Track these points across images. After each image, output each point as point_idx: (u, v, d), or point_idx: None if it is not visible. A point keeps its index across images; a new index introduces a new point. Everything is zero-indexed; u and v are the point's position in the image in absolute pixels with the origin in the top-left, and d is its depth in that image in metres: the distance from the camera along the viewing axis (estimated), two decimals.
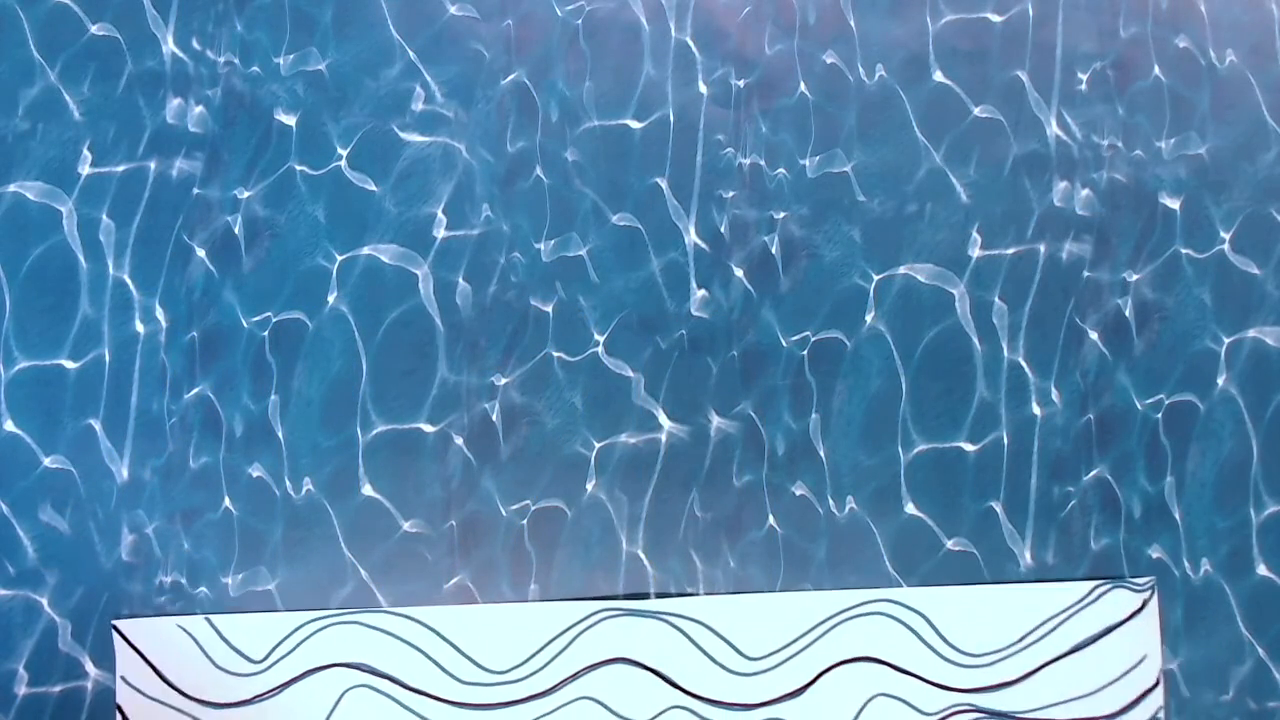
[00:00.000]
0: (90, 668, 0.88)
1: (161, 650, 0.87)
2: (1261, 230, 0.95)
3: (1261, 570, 0.93)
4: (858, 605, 0.90)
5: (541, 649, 0.89)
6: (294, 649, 0.88)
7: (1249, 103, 0.95)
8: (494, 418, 0.91)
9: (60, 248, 0.90)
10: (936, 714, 0.89)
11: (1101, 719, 0.90)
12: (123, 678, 0.87)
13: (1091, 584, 0.91)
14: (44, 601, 0.89)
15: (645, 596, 0.90)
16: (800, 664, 0.89)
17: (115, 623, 0.88)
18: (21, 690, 0.88)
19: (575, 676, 0.89)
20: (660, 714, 0.89)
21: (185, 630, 0.88)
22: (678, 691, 0.89)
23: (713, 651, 0.89)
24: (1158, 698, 0.90)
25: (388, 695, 0.88)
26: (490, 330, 0.92)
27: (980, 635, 0.90)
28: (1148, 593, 0.91)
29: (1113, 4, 0.95)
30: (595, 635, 0.89)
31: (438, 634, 0.88)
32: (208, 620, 0.88)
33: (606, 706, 0.88)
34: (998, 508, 0.92)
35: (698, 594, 0.90)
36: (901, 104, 0.94)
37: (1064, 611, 0.90)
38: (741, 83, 0.93)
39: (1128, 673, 0.90)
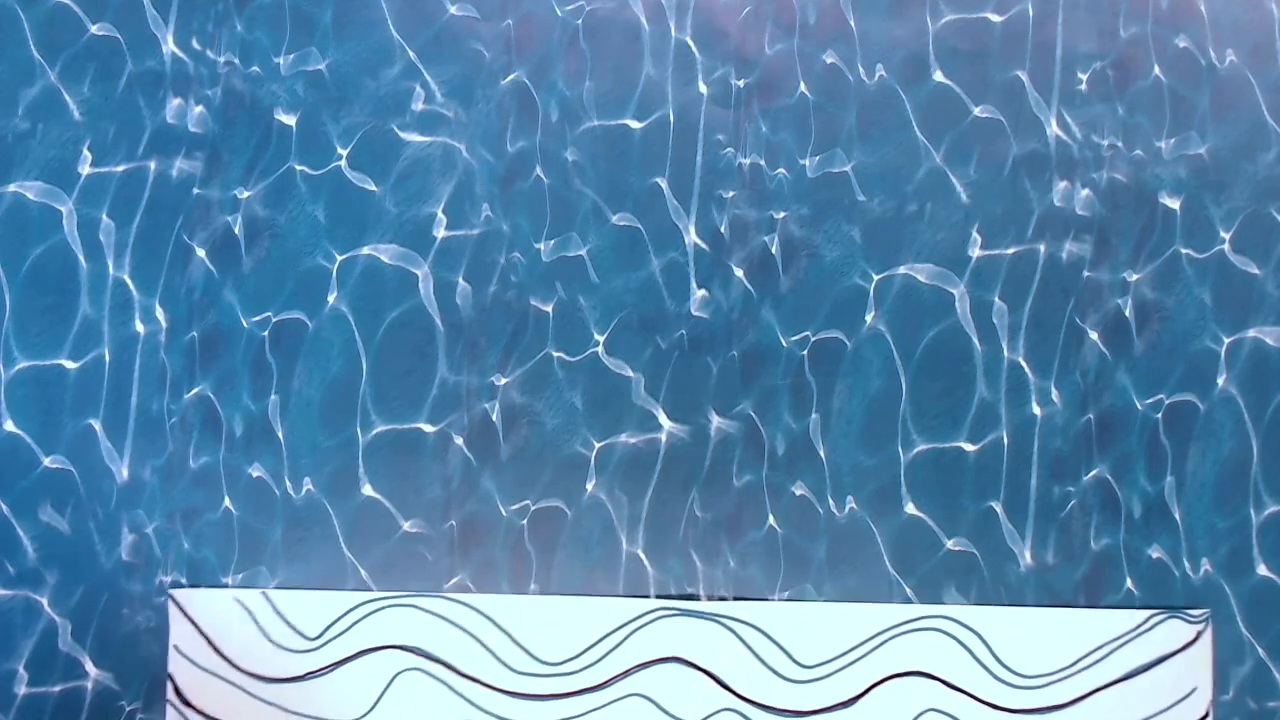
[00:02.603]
0: (90, 668, 0.88)
1: (216, 622, 0.88)
2: (1261, 230, 0.95)
3: (1261, 570, 0.93)
4: (914, 620, 0.90)
5: (596, 643, 0.89)
6: (349, 628, 0.88)
7: (1249, 103, 0.95)
8: (494, 418, 0.91)
9: (60, 248, 0.90)
10: None
11: None
12: (175, 646, 0.87)
13: (1147, 613, 0.91)
14: (44, 601, 0.89)
15: (697, 598, 0.90)
16: (853, 675, 0.89)
17: (172, 592, 0.88)
18: (21, 690, 0.88)
19: (628, 673, 0.89)
20: (710, 716, 0.89)
21: (241, 603, 0.88)
22: (729, 694, 0.89)
23: (766, 657, 0.89)
24: None
25: (440, 680, 0.88)
26: (490, 330, 0.92)
27: (1034, 657, 0.90)
28: (1202, 624, 0.91)
29: (1113, 4, 0.95)
30: (650, 633, 0.89)
31: (493, 622, 0.88)
32: (264, 595, 0.88)
33: (657, 704, 0.88)
34: (998, 508, 0.92)
35: (762, 599, 0.90)
36: (901, 104, 0.94)
37: (1118, 639, 0.90)
38: (741, 83, 0.93)
39: (1177, 704, 0.90)
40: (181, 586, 0.88)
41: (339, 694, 0.87)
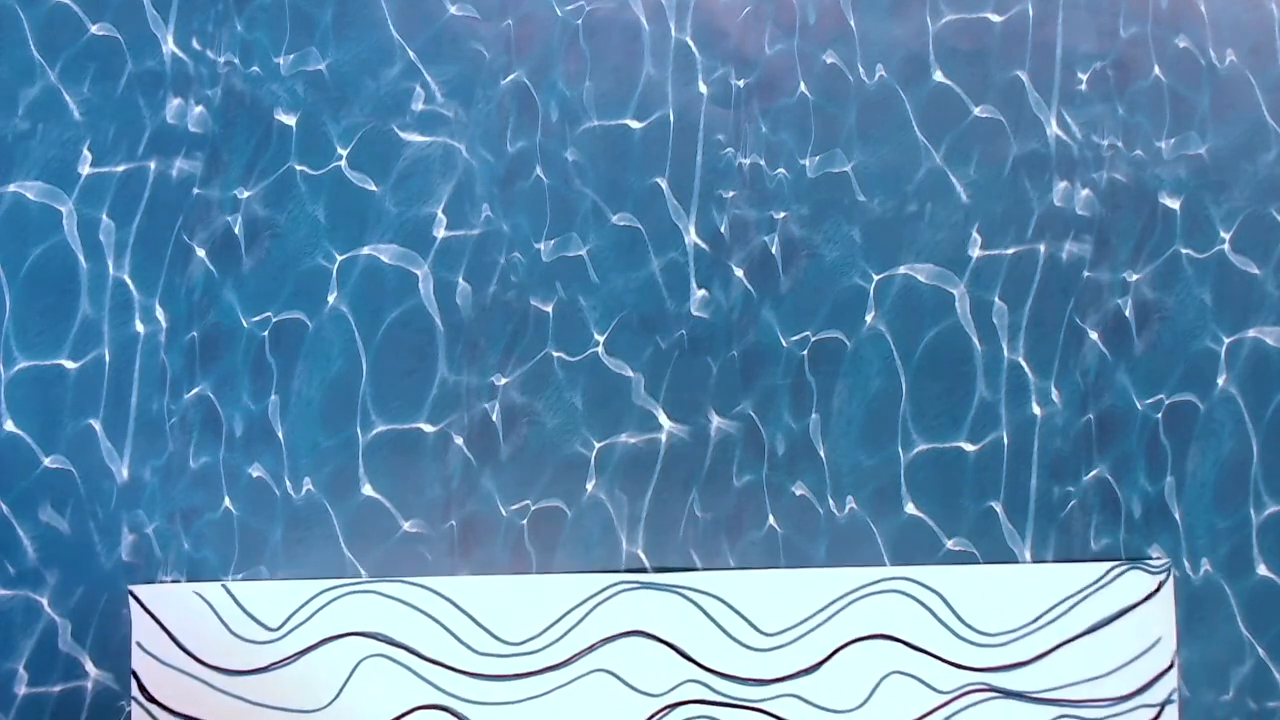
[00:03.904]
0: (90, 668, 0.88)
1: (177, 616, 0.88)
2: (1261, 230, 0.95)
3: (1261, 570, 0.93)
4: (874, 582, 0.90)
5: (557, 621, 0.89)
6: (310, 617, 0.88)
7: (1249, 103, 0.95)
8: (494, 418, 0.91)
9: (60, 248, 0.90)
10: (951, 692, 0.89)
11: (1115, 699, 0.90)
12: (138, 643, 0.87)
13: (1107, 565, 0.91)
14: (44, 601, 0.89)
15: (661, 570, 0.90)
16: (815, 640, 0.89)
17: (131, 588, 0.88)
18: (21, 690, 0.88)
19: (591, 649, 0.89)
20: (675, 688, 0.89)
21: (201, 596, 0.88)
22: (692, 665, 0.89)
23: (728, 626, 0.89)
24: (1172, 680, 0.91)
25: (403, 665, 0.88)
26: (490, 330, 0.92)
27: (995, 615, 0.90)
28: (1163, 574, 0.91)
29: (1113, 4, 0.95)
30: (611, 608, 0.89)
31: (454, 605, 0.88)
32: (224, 587, 0.88)
33: (621, 679, 0.88)
34: (998, 508, 0.92)
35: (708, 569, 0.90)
36: (901, 104, 0.94)
37: (1079, 592, 0.90)
38: (741, 83, 0.93)
39: (1142, 655, 0.90)
40: (138, 582, 0.88)
41: (303, 683, 0.87)
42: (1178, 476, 0.93)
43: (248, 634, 0.88)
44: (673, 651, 0.89)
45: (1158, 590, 0.91)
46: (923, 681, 0.89)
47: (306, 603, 0.88)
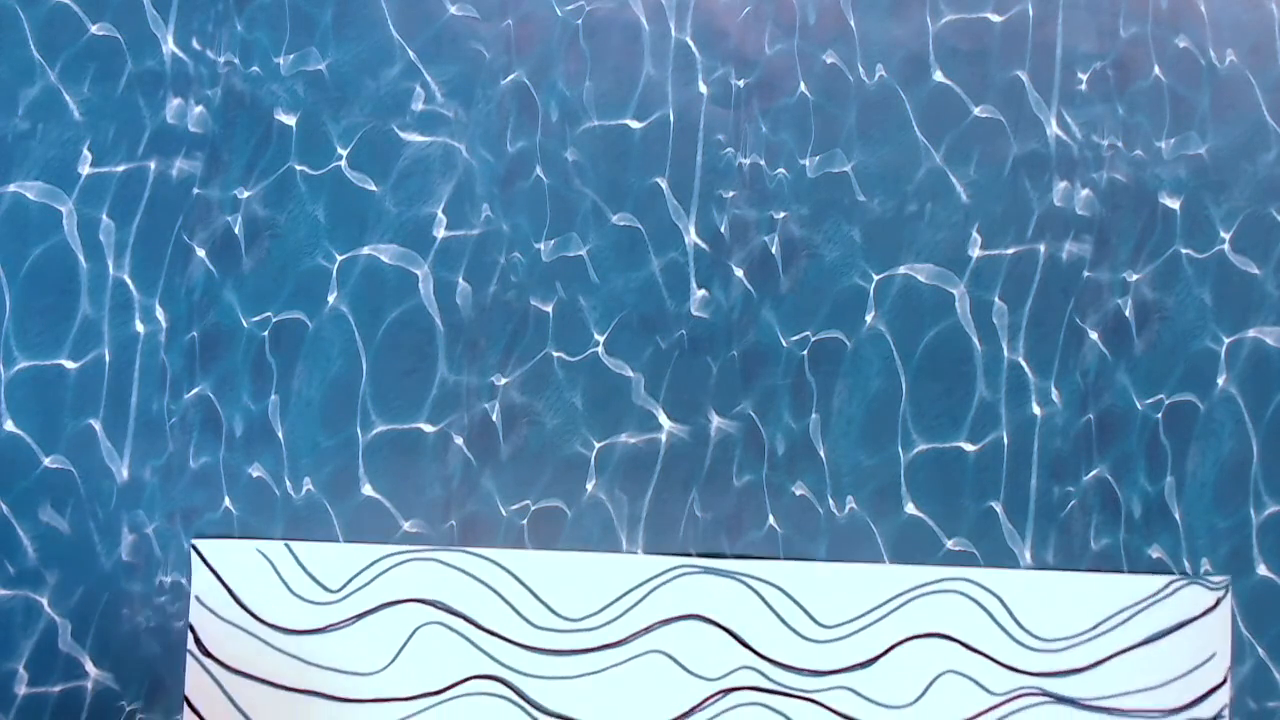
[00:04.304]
0: (90, 668, 0.88)
1: (238, 572, 0.88)
2: (1261, 230, 0.95)
3: (1261, 570, 0.93)
4: (934, 582, 0.90)
5: (617, 600, 0.89)
6: (370, 581, 0.88)
7: (1249, 103, 0.95)
8: (494, 418, 0.91)
9: (60, 248, 0.90)
10: (1004, 695, 0.90)
11: (1167, 712, 0.90)
12: (197, 597, 0.88)
13: (1167, 578, 0.91)
14: (44, 601, 0.89)
15: (723, 556, 0.90)
16: (872, 635, 0.90)
17: (195, 541, 0.88)
18: (21, 690, 0.88)
19: (648, 630, 0.89)
20: (729, 673, 0.89)
21: (263, 554, 0.88)
22: (748, 652, 0.89)
23: (787, 616, 0.89)
24: (1224, 696, 0.91)
25: (460, 634, 0.88)
26: (490, 330, 0.92)
27: (1053, 621, 0.90)
28: (1222, 591, 0.91)
29: (1113, 4, 0.95)
30: (671, 590, 0.89)
31: (515, 577, 0.89)
32: (286, 546, 0.88)
33: (677, 661, 0.89)
34: (998, 508, 0.92)
35: (778, 557, 0.90)
36: (901, 104, 0.94)
37: (1138, 604, 0.91)
38: (741, 83, 0.93)
39: (1196, 669, 0.90)
40: (204, 537, 0.88)
41: (359, 647, 0.88)
42: (1178, 476, 0.93)
43: (308, 594, 0.88)
44: (730, 637, 0.89)
45: (1215, 606, 0.91)
46: (976, 682, 0.89)
47: (368, 566, 0.88)
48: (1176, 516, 0.93)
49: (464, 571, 0.88)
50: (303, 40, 0.92)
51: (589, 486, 0.91)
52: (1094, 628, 0.90)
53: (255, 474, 0.90)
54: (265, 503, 0.90)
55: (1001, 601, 0.90)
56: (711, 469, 0.92)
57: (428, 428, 0.91)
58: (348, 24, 0.92)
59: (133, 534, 0.89)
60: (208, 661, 0.87)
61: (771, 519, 0.92)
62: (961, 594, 0.90)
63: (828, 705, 0.89)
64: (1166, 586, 0.91)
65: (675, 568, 0.89)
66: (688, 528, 0.91)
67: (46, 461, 0.89)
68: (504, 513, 0.91)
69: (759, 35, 0.94)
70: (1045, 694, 0.90)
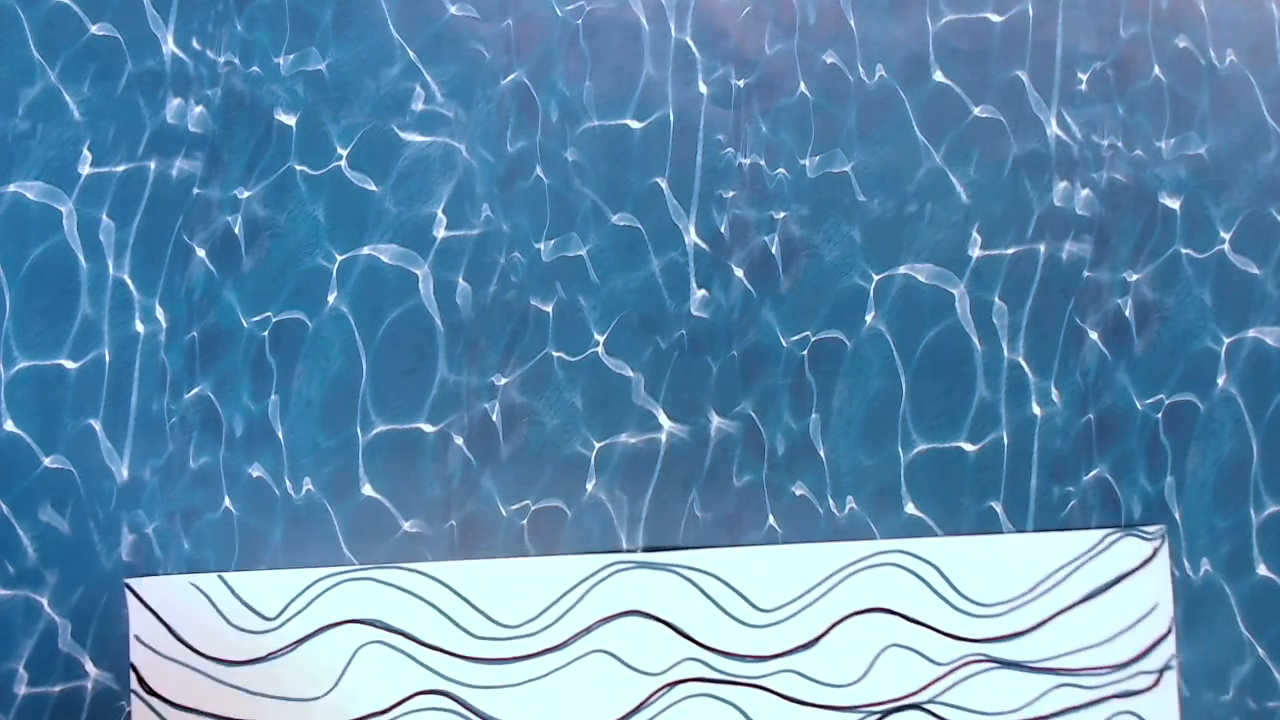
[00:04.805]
0: (90, 668, 0.88)
1: (174, 608, 0.88)
2: (1261, 230, 0.95)
3: (1261, 570, 0.93)
4: (869, 556, 0.90)
5: (555, 603, 0.89)
6: (307, 605, 0.88)
7: (1249, 103, 0.95)
8: (494, 418, 0.91)
9: (60, 248, 0.90)
10: (949, 664, 0.90)
11: (1114, 667, 0.90)
12: (136, 636, 0.87)
13: (1102, 532, 0.91)
14: (44, 601, 0.89)
15: (657, 549, 0.90)
16: (813, 615, 0.90)
17: (128, 580, 0.88)
18: (21, 690, 0.88)
19: (588, 630, 0.89)
20: (673, 666, 0.89)
21: (198, 588, 0.88)
22: (691, 644, 0.89)
23: (725, 604, 0.89)
24: (1170, 646, 0.91)
25: (402, 651, 0.88)
26: (490, 330, 0.92)
27: (992, 585, 0.90)
28: (1158, 540, 0.91)
29: (1113, 4, 0.95)
30: (608, 588, 0.89)
31: (451, 589, 0.88)
32: (220, 578, 0.88)
33: (620, 659, 0.88)
34: (998, 508, 0.92)
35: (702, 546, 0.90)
36: (901, 104, 0.94)
37: (1075, 560, 0.91)
38: (741, 83, 0.93)
39: (1140, 621, 0.91)
40: (136, 575, 0.88)
41: (301, 672, 0.87)
42: (1178, 476, 0.93)
43: (245, 624, 0.88)
44: (671, 630, 0.89)
45: (1153, 556, 0.91)
46: (920, 654, 0.89)
47: (303, 591, 0.88)
48: (1176, 516, 0.93)
49: (400, 588, 0.88)
50: (303, 40, 0.92)
51: (589, 486, 0.91)
52: (1033, 589, 0.90)
53: (255, 474, 0.90)
54: (265, 503, 0.90)
55: (938, 570, 0.90)
56: (711, 469, 0.92)
57: (428, 428, 0.91)
58: (348, 24, 0.92)
59: (133, 534, 0.89)
60: (153, 700, 0.87)
61: (771, 519, 0.92)
62: (898, 566, 0.90)
63: (773, 689, 0.89)
64: (1102, 540, 0.91)
65: (610, 565, 0.89)
66: (688, 527, 0.91)
67: (46, 461, 0.89)
68: (504, 513, 0.91)
69: (759, 35, 0.94)
70: (990, 659, 0.90)
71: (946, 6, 0.95)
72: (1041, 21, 0.95)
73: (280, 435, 0.90)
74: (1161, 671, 0.90)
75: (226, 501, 0.90)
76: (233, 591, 0.88)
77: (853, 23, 0.94)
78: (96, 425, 0.90)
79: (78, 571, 0.89)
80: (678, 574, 0.89)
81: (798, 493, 0.92)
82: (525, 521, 0.91)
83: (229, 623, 0.88)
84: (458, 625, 0.88)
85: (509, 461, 0.91)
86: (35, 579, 0.89)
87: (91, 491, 0.89)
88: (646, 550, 0.90)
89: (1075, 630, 0.90)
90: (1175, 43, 0.95)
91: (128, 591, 0.88)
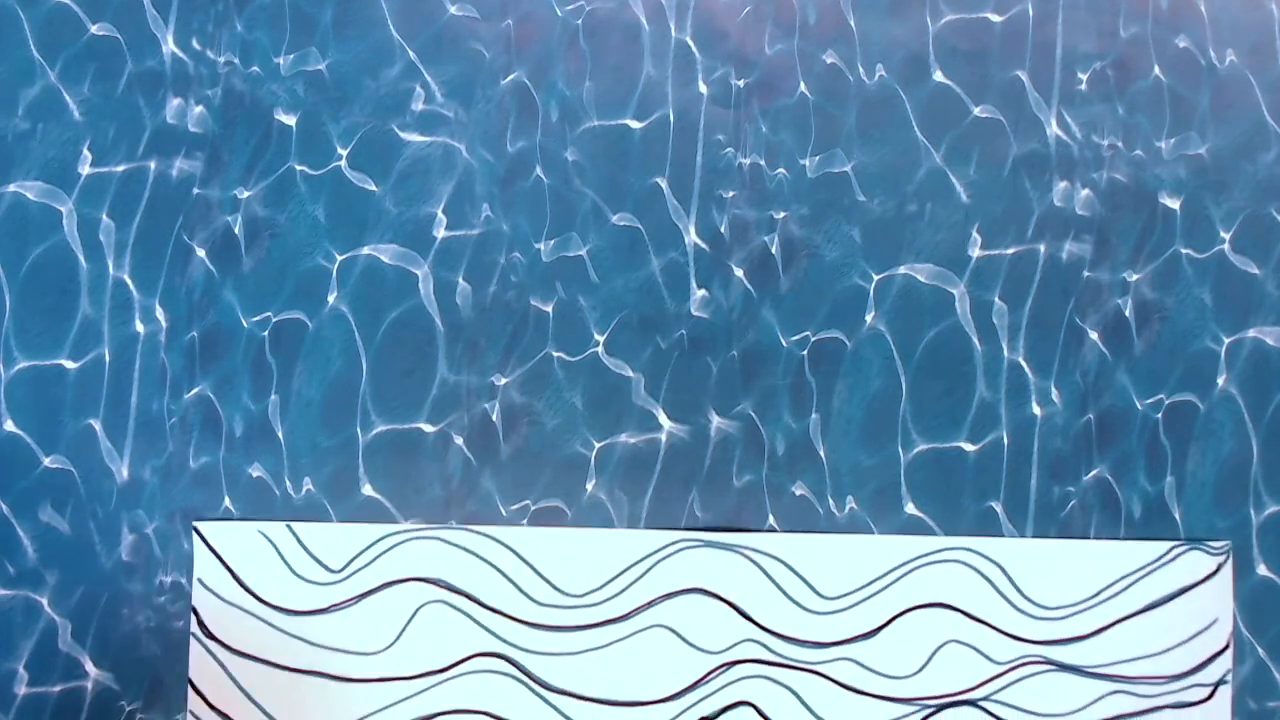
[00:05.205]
0: (90, 668, 0.88)
1: (240, 554, 0.88)
2: (1261, 230, 0.95)
3: (1261, 570, 0.93)
4: (936, 552, 0.90)
5: (619, 575, 0.89)
6: (372, 561, 0.88)
7: (1249, 103, 0.95)
8: (494, 418, 0.91)
9: (60, 248, 0.90)
10: (1007, 664, 0.90)
11: (1170, 678, 0.90)
12: (199, 580, 0.88)
13: (1168, 544, 0.91)
14: (44, 601, 0.89)
15: (727, 530, 0.90)
16: (875, 606, 0.90)
17: (196, 524, 0.88)
18: (21, 690, 0.88)
19: (650, 604, 0.89)
20: (732, 646, 0.89)
21: (265, 536, 0.88)
22: (751, 625, 0.89)
23: (789, 588, 0.89)
24: (1227, 661, 0.91)
25: (463, 612, 0.88)
26: (490, 330, 0.92)
27: (1055, 589, 0.90)
28: (1223, 557, 0.91)
29: (1113, 4, 0.95)
30: (673, 565, 0.89)
31: (517, 554, 0.88)
32: (288, 527, 0.88)
33: (680, 635, 0.89)
34: (998, 507, 0.92)
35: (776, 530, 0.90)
36: (901, 104, 0.94)
37: (1139, 570, 0.91)
38: (741, 83, 0.93)
39: (1198, 634, 0.91)
40: (204, 519, 0.88)
41: (363, 626, 0.88)
42: (1178, 476, 0.93)
43: (310, 575, 0.88)
44: (732, 610, 0.89)
45: (1216, 572, 0.91)
46: (979, 651, 0.90)
47: (369, 546, 0.88)
48: (1176, 516, 0.93)
49: (466, 549, 0.88)
50: (303, 40, 0.92)
51: (589, 486, 0.91)
52: (1095, 595, 0.90)
53: (255, 474, 0.90)
54: (265, 503, 0.90)
55: (1003, 570, 0.90)
56: (711, 469, 0.92)
57: (428, 428, 0.91)
58: (348, 24, 0.92)
59: (133, 534, 0.89)
60: (211, 644, 0.87)
61: (771, 519, 0.92)
62: (962, 564, 0.90)
63: (830, 676, 0.89)
64: (1168, 552, 0.91)
65: (676, 542, 0.89)
66: (688, 527, 0.91)
67: (46, 461, 0.89)
68: (504, 512, 0.91)
69: (759, 35, 0.94)
70: (1048, 662, 0.90)
71: (946, 6, 0.94)
72: (1041, 21, 0.95)
73: (280, 435, 0.90)
74: (1217, 685, 0.91)
75: (226, 501, 0.90)
76: (300, 542, 0.88)
77: (853, 23, 0.94)
78: (96, 425, 0.90)
79: (78, 571, 0.89)
80: (743, 555, 0.89)
81: (798, 492, 0.92)
82: (525, 521, 0.91)
83: (294, 572, 0.88)
84: (521, 590, 0.88)
85: (509, 461, 0.91)
86: (35, 579, 0.89)
87: (91, 491, 0.89)
88: (713, 530, 0.90)
89: (1135, 639, 0.90)
90: (1175, 43, 0.95)
91: (194, 533, 0.88)
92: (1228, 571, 0.91)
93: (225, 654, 0.87)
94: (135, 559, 0.89)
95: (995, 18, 0.95)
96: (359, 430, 0.91)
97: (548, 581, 0.89)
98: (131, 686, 0.89)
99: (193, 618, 0.87)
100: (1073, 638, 0.90)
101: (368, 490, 0.90)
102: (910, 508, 0.92)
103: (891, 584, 0.90)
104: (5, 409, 0.89)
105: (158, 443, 0.90)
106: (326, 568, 0.88)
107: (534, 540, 0.89)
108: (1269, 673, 0.93)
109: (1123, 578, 0.91)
